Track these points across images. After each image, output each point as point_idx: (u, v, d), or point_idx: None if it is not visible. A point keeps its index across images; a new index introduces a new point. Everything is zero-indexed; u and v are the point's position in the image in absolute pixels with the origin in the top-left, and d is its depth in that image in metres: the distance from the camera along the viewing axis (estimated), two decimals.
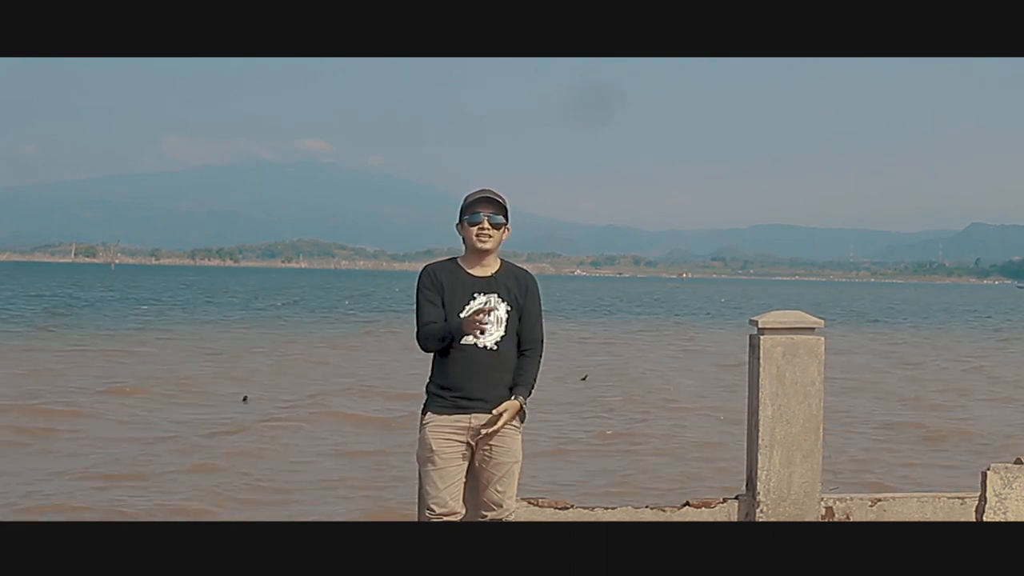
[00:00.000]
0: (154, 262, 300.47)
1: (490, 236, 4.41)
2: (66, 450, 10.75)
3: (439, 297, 4.41)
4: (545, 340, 4.58)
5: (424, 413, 4.46)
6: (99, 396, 14.69)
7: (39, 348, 22.64)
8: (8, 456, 10.36)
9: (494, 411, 4.34)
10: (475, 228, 4.40)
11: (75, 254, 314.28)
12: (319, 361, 21.15)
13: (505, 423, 4.35)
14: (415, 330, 4.47)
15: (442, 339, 4.37)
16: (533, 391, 4.48)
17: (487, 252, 4.44)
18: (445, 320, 4.39)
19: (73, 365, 19.08)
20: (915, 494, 6.05)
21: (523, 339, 4.47)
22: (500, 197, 4.47)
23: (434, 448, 4.37)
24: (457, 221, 4.49)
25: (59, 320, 32.94)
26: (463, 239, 4.48)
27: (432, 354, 4.49)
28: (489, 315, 4.32)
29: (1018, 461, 4.84)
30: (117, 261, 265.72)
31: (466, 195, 4.49)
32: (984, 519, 4.68)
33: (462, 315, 4.38)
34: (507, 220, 4.47)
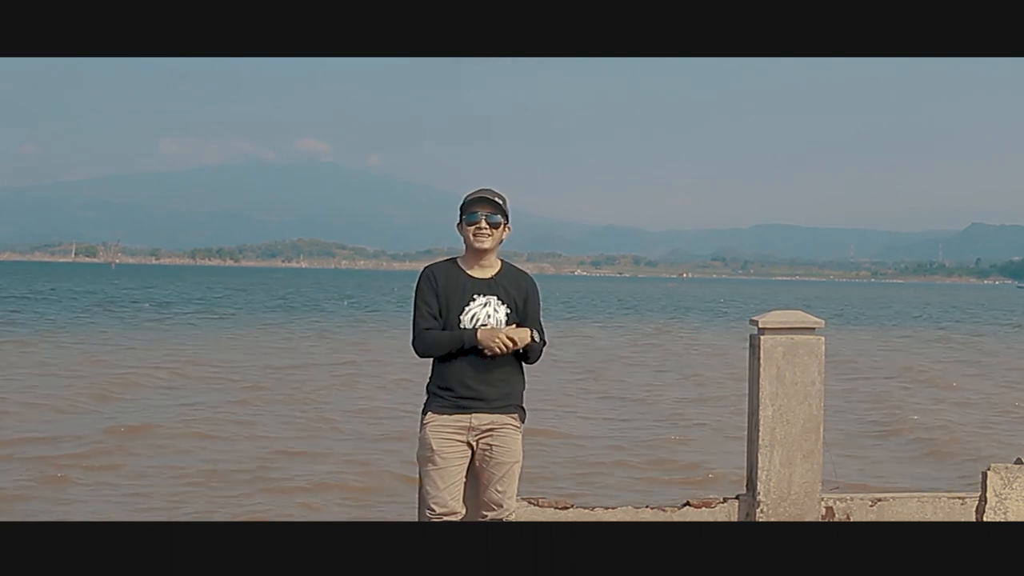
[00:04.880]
0: (154, 262, 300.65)
1: (488, 236, 4.40)
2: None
3: (436, 300, 4.40)
4: (547, 342, 4.58)
5: (424, 413, 4.46)
6: None
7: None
8: None
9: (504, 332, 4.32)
10: (472, 228, 4.39)
11: (75, 254, 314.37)
12: None
13: (507, 337, 4.29)
14: (411, 334, 4.47)
15: (450, 349, 4.37)
16: (538, 351, 4.47)
17: (486, 252, 4.44)
18: (441, 322, 4.39)
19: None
20: (915, 494, 6.05)
21: None
22: (499, 196, 4.45)
23: (435, 448, 4.37)
24: (457, 221, 4.49)
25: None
26: (463, 239, 4.48)
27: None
28: (512, 345, 4.30)
29: (1018, 461, 4.84)
30: (117, 261, 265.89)
31: (465, 195, 4.49)
32: (984, 519, 4.68)
33: (462, 316, 4.37)
34: (507, 219, 4.46)
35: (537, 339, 4.43)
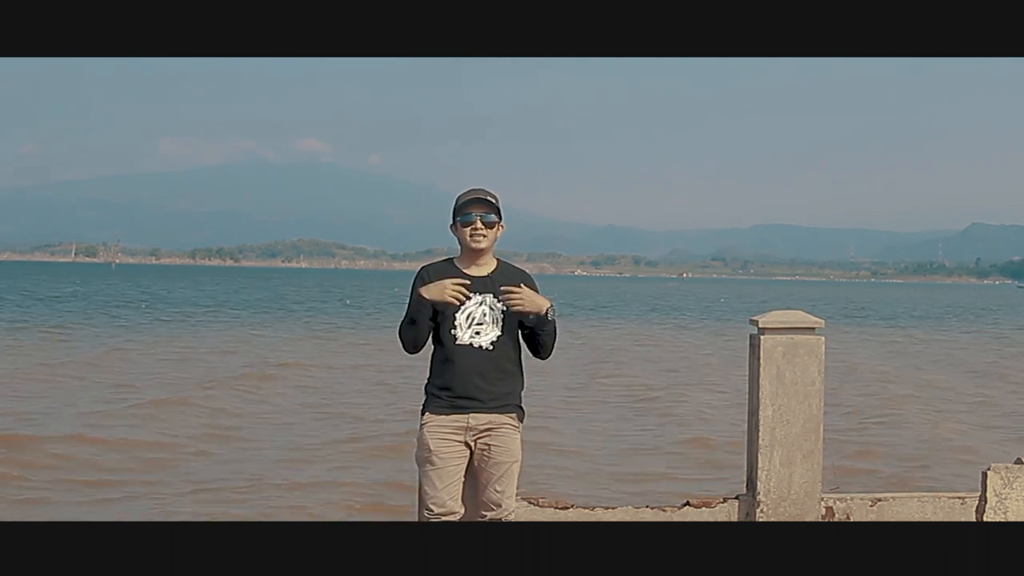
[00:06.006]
0: (154, 262, 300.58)
1: (484, 236, 4.42)
2: None
3: (430, 304, 4.40)
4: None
5: (423, 413, 4.46)
6: None
7: None
8: None
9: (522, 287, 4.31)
10: (468, 229, 4.41)
11: (75, 254, 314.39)
12: None
13: (524, 296, 4.29)
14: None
15: (410, 324, 4.37)
16: (553, 331, 4.43)
17: (482, 252, 4.45)
18: (435, 322, 4.40)
19: None
20: (915, 494, 6.05)
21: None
22: (491, 196, 4.46)
23: (432, 448, 4.37)
24: (451, 222, 4.50)
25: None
26: (458, 240, 4.49)
27: (430, 354, 4.50)
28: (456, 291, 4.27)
29: (1018, 461, 4.84)
30: (118, 261, 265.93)
31: (457, 195, 4.50)
32: (984, 519, 4.67)
33: (457, 315, 4.38)
34: (500, 217, 4.47)
35: (554, 315, 4.40)
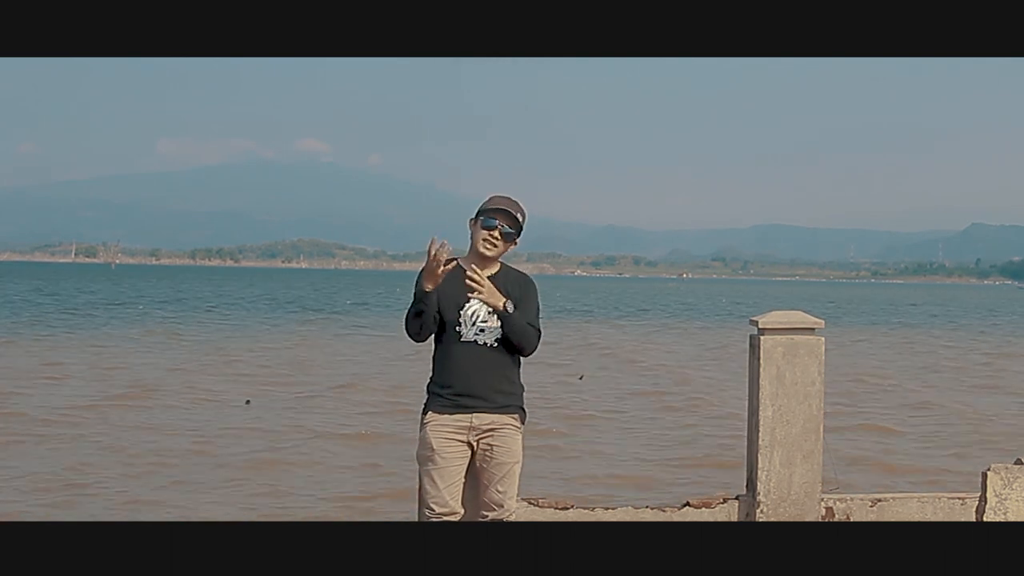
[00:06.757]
0: (154, 262, 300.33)
1: (495, 246, 4.45)
2: None
3: (434, 295, 4.41)
4: (543, 335, 4.57)
5: (425, 412, 4.46)
6: None
7: None
8: None
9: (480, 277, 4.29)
10: (485, 232, 4.44)
11: (75, 254, 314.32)
12: None
13: (481, 286, 4.29)
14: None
15: (415, 307, 4.35)
16: (519, 325, 4.39)
17: (489, 259, 4.47)
18: (437, 319, 4.40)
19: None
20: (915, 494, 6.06)
21: None
22: (520, 212, 4.49)
23: (435, 447, 4.37)
24: (472, 217, 4.51)
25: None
26: (471, 235, 4.51)
27: (432, 354, 4.51)
28: (444, 250, 4.24)
29: (1018, 461, 4.84)
30: (117, 261, 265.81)
31: (491, 195, 4.54)
32: (984, 519, 4.67)
33: (461, 312, 4.39)
34: (519, 235, 4.50)
35: (512, 309, 4.39)
